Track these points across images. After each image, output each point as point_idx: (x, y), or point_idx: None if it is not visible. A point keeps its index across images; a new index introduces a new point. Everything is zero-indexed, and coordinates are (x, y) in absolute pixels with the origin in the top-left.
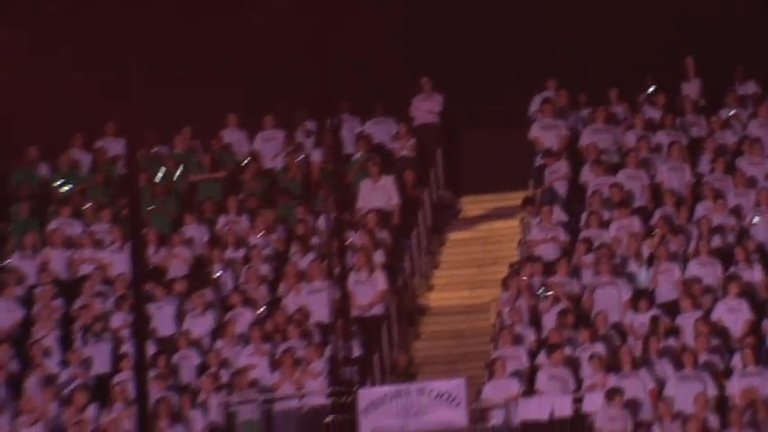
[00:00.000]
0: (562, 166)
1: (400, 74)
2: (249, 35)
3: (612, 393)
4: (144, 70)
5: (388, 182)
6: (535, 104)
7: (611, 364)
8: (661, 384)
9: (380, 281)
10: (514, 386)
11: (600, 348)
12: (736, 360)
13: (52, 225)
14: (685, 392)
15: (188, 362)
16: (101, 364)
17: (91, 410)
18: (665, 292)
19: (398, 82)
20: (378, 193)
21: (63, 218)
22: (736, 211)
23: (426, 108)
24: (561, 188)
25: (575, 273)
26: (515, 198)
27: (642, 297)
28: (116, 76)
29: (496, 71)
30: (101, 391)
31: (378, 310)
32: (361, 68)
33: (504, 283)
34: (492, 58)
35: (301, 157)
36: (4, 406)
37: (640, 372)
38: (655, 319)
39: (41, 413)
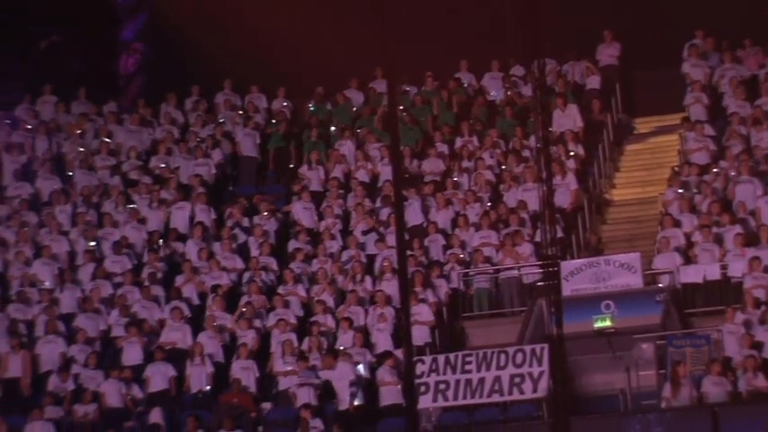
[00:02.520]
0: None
1: (588, 24)
2: None
3: (754, 260)
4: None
5: (572, 109)
6: (686, 49)
7: (749, 241)
8: None
9: (573, 182)
10: (676, 258)
11: (739, 229)
12: None
13: (335, 145)
14: None
15: (435, 244)
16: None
17: (367, 282)
18: None
19: (586, 31)
20: (565, 119)
21: (342, 140)
22: None
23: (608, 53)
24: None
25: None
26: (675, 118)
27: None
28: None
29: (659, 23)
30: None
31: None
32: (559, 18)
33: (668, 182)
34: (658, 14)
35: (516, 91)
36: None
37: None
38: None
39: None
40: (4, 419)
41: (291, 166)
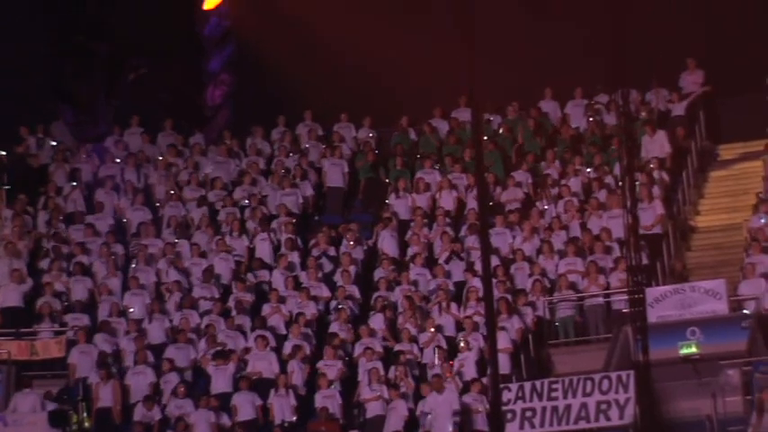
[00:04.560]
0: None
1: (669, 51)
2: None
3: None
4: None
5: (661, 136)
6: None
7: None
8: None
9: (659, 208)
10: (762, 284)
11: None
12: None
13: (418, 174)
14: None
15: (521, 271)
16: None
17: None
18: None
19: (668, 59)
20: (654, 145)
21: (426, 168)
22: None
23: (691, 80)
24: None
25: None
26: (759, 144)
27: None
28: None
29: (742, 50)
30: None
31: (657, 229)
32: (641, 48)
33: (753, 208)
34: (740, 40)
35: (599, 119)
36: None
37: None
38: None
39: None
40: None
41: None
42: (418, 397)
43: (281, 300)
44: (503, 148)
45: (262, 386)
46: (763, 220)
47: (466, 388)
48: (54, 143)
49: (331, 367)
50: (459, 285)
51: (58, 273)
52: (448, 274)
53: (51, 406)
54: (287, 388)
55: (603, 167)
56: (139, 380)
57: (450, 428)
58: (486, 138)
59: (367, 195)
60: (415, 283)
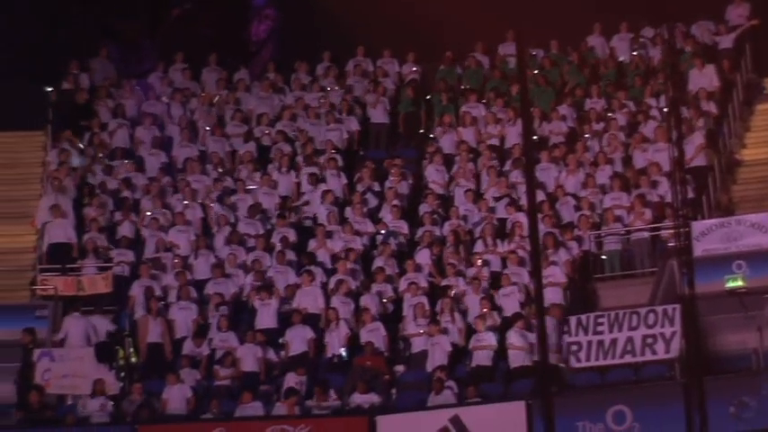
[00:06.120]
0: None
1: None
2: None
3: None
4: None
5: (710, 69)
6: None
7: None
8: None
9: (699, 138)
10: None
11: None
12: None
13: (464, 108)
14: None
15: (566, 206)
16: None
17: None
18: None
19: None
20: (703, 78)
21: (470, 103)
22: None
23: (737, 13)
24: None
25: None
26: None
27: None
28: None
29: None
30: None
31: (700, 161)
32: None
33: None
34: None
35: (643, 52)
36: None
37: None
38: None
39: None
40: (143, 385)
41: (422, 131)
42: (469, 333)
43: (327, 235)
44: (549, 82)
45: (309, 321)
46: None
47: (509, 323)
48: (98, 79)
49: (373, 302)
50: (503, 221)
51: (102, 209)
52: (492, 209)
53: (103, 327)
54: (337, 321)
55: (648, 101)
56: (183, 315)
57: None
58: (536, 72)
59: (407, 129)
60: (464, 218)
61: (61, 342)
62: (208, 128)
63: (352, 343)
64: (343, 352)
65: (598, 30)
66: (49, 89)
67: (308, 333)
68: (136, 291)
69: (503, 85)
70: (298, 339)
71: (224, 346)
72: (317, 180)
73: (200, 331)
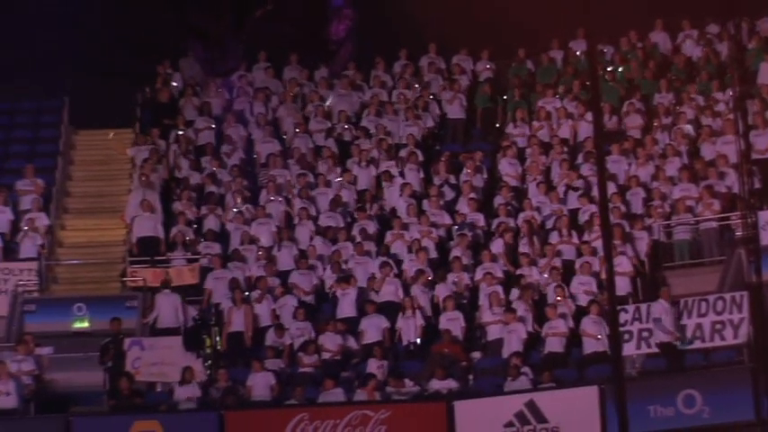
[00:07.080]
0: None
1: None
2: None
3: None
4: None
5: None
6: None
7: None
8: None
9: None
10: None
11: None
12: None
13: (539, 103)
14: None
15: (636, 197)
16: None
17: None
18: None
19: None
20: None
21: (547, 98)
22: None
23: None
24: None
25: None
26: None
27: None
28: None
29: None
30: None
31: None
32: None
33: None
34: None
35: (712, 48)
36: None
37: None
38: None
39: None
40: (228, 371)
41: (498, 125)
42: (542, 320)
43: (404, 227)
44: (616, 79)
45: (388, 310)
46: None
47: (582, 311)
48: (184, 78)
49: (449, 292)
50: (574, 212)
51: (190, 203)
52: (563, 201)
53: (189, 312)
54: (414, 309)
55: (717, 95)
56: (266, 305)
57: (562, 349)
58: (608, 69)
59: (484, 124)
60: (537, 210)
61: (153, 323)
62: (295, 122)
63: (427, 331)
64: (417, 340)
65: (660, 26)
66: (146, 89)
67: (383, 322)
68: (211, 284)
69: (573, 82)
70: (372, 328)
71: (300, 335)
72: (390, 176)
73: (281, 324)
